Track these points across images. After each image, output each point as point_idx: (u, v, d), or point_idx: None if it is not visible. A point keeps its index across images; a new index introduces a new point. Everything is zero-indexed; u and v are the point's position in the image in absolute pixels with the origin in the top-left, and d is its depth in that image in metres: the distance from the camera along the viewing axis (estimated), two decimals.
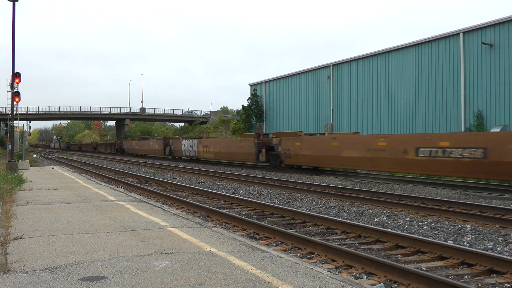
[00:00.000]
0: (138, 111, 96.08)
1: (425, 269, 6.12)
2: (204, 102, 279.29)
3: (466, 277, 5.88)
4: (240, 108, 50.56)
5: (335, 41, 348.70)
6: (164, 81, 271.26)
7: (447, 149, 15.67)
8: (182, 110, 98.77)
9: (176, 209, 11.50)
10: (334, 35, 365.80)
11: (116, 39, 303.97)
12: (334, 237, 8.21)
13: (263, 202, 12.10)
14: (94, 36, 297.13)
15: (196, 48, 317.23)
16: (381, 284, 5.40)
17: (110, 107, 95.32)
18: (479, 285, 5.54)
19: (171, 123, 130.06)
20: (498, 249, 7.33)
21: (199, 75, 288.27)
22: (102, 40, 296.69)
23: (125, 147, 60.89)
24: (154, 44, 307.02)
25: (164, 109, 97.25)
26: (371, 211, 11.22)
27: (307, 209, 11.60)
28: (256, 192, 15.54)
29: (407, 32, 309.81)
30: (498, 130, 23.00)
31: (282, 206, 11.16)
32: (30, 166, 29.77)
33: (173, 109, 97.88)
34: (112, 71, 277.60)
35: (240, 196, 14.04)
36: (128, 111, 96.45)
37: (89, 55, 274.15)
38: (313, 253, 7.03)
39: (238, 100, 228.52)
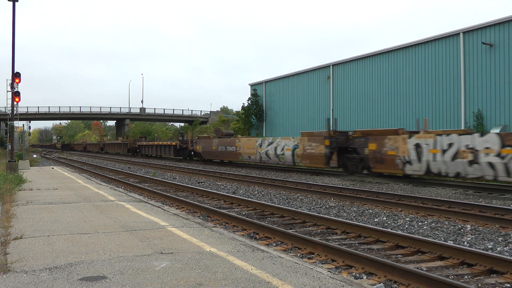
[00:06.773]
0: (138, 111, 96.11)
1: (425, 269, 6.12)
2: (211, 102, 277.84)
3: (466, 277, 5.88)
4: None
5: (347, 39, 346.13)
6: (172, 80, 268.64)
7: None
8: (182, 110, 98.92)
9: (176, 209, 11.49)
10: (345, 33, 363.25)
11: (123, 37, 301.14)
12: (334, 237, 8.21)
13: (263, 202, 12.10)
14: (102, 34, 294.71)
15: (206, 46, 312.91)
16: (381, 284, 5.40)
17: (110, 107, 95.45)
18: (479, 285, 5.54)
19: (171, 123, 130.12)
20: (498, 249, 7.33)
21: (208, 74, 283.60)
22: (109, 39, 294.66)
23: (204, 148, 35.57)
24: (162, 43, 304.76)
25: (164, 109, 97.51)
26: (371, 211, 11.21)
27: (307, 209, 11.60)
28: (256, 192, 15.54)
29: (407, 32, 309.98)
30: (498, 130, 22.99)
31: (282, 206, 11.16)
32: (30, 166, 29.77)
33: (173, 109, 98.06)
34: (118, 70, 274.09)
35: (240, 196, 14.04)
36: (128, 111, 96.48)
37: (95, 54, 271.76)
38: (313, 253, 7.03)
39: (246, 99, 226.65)
